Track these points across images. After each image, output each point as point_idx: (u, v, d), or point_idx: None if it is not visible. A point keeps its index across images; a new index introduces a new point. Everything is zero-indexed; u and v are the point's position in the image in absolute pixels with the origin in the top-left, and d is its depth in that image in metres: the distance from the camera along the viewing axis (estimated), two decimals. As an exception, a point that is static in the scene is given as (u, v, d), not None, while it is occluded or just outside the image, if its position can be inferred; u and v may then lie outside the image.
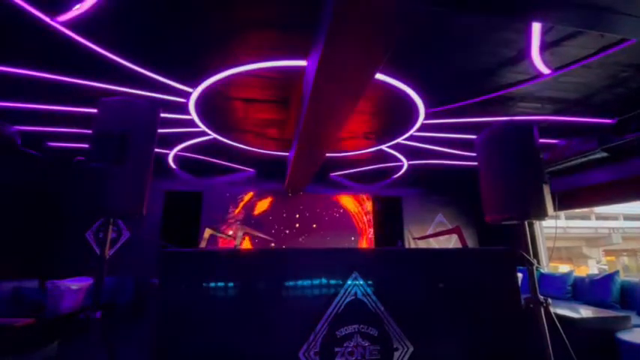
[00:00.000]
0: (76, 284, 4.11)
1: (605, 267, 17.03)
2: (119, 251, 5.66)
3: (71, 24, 2.23)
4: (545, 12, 1.53)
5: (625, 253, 19.08)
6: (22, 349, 3.13)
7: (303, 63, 2.91)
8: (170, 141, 4.80)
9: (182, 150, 5.20)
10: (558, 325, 1.91)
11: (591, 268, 16.21)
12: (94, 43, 2.48)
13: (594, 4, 1.42)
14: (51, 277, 4.12)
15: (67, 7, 2.05)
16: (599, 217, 18.48)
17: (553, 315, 1.93)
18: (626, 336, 3.01)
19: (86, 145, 4.78)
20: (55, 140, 4.64)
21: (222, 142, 4.77)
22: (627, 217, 18.40)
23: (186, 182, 6.52)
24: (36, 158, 4.62)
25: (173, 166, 5.99)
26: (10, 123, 4.07)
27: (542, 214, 1.95)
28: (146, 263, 5.61)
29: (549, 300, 1.95)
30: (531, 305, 1.98)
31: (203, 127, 4.26)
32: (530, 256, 2.04)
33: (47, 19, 2.15)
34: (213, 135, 4.53)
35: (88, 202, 1.77)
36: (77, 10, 2.01)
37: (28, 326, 3.17)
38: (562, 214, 16.75)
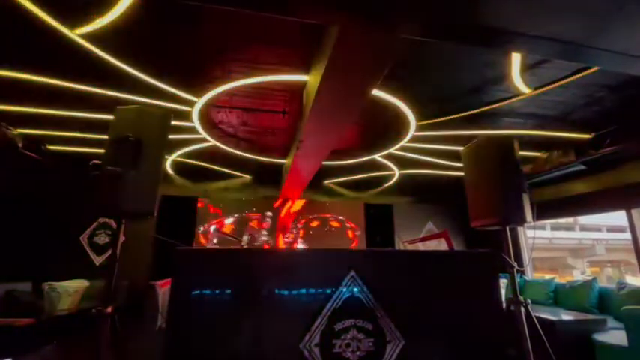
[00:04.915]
0: (73, 286, 4.16)
1: (589, 278, 17.41)
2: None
3: (90, 36, 2.38)
4: (519, 45, 1.76)
5: (609, 264, 19.55)
6: (20, 349, 3.16)
7: (304, 77, 3.10)
8: (170, 146, 4.91)
9: (180, 155, 5.32)
10: (537, 323, 2.08)
11: (576, 278, 16.58)
12: (110, 54, 2.64)
13: (561, 39, 1.64)
14: (44, 280, 4.12)
15: (88, 21, 2.20)
16: (583, 229, 18.96)
17: (532, 314, 2.11)
18: (601, 337, 3.23)
19: (86, 149, 4.86)
20: (55, 144, 4.71)
21: (220, 148, 4.91)
22: (610, 229, 18.92)
23: (182, 187, 6.61)
24: (36, 161, 4.66)
25: (170, 171, 6.08)
26: (13, 125, 4.14)
27: (521, 221, 2.15)
28: (141, 267, 5.65)
29: (529, 300, 2.12)
30: (512, 307, 2.16)
31: (204, 134, 4.40)
32: (511, 259, 2.23)
33: (66, 32, 2.30)
34: (213, 142, 4.67)
35: (105, 202, 1.89)
36: (98, 23, 2.16)
37: (28, 326, 3.21)
38: (548, 225, 17.17)
